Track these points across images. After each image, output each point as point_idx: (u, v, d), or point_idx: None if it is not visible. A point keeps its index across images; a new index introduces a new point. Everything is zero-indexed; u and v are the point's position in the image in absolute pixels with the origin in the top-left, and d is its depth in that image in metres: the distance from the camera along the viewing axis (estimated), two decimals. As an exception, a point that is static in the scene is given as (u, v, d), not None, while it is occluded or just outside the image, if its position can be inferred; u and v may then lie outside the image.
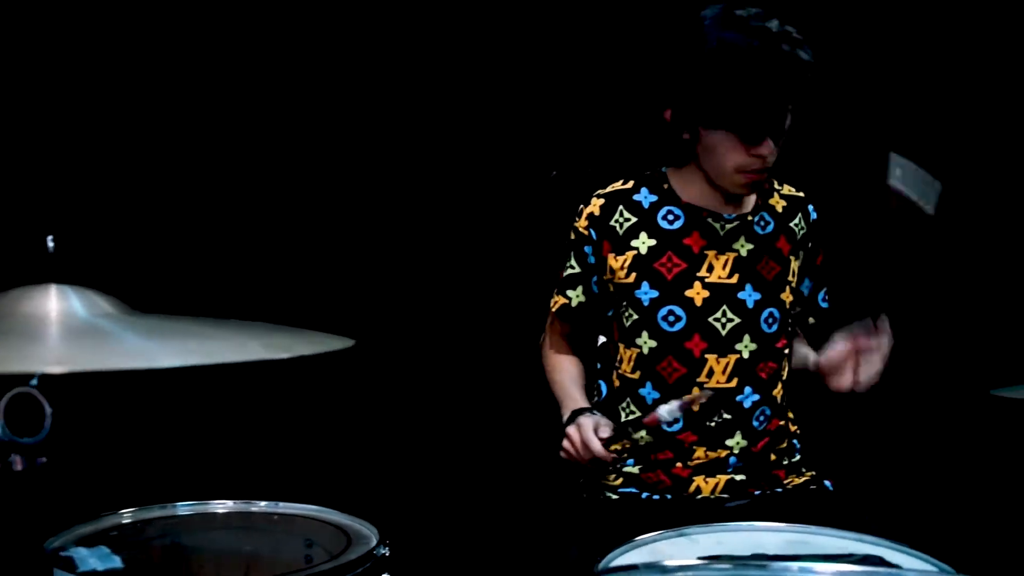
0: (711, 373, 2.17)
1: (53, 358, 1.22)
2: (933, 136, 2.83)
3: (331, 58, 2.89)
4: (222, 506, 2.05)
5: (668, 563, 1.34)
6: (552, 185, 2.84)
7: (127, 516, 1.97)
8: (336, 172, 2.91)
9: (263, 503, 2.05)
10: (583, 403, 2.21)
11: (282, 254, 2.88)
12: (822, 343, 2.26)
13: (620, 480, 2.22)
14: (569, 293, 2.27)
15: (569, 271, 2.27)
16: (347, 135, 2.93)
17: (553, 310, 2.30)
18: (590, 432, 2.05)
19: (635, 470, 2.21)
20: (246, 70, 2.83)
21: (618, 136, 2.75)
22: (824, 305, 2.35)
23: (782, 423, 2.26)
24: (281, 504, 2.05)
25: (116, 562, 1.80)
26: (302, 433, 2.85)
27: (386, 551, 1.84)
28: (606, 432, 2.06)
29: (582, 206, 2.26)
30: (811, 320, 2.35)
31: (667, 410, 2.02)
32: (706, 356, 2.17)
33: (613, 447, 2.06)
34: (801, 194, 2.32)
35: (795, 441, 2.29)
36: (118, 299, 1.43)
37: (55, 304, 1.36)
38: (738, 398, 2.18)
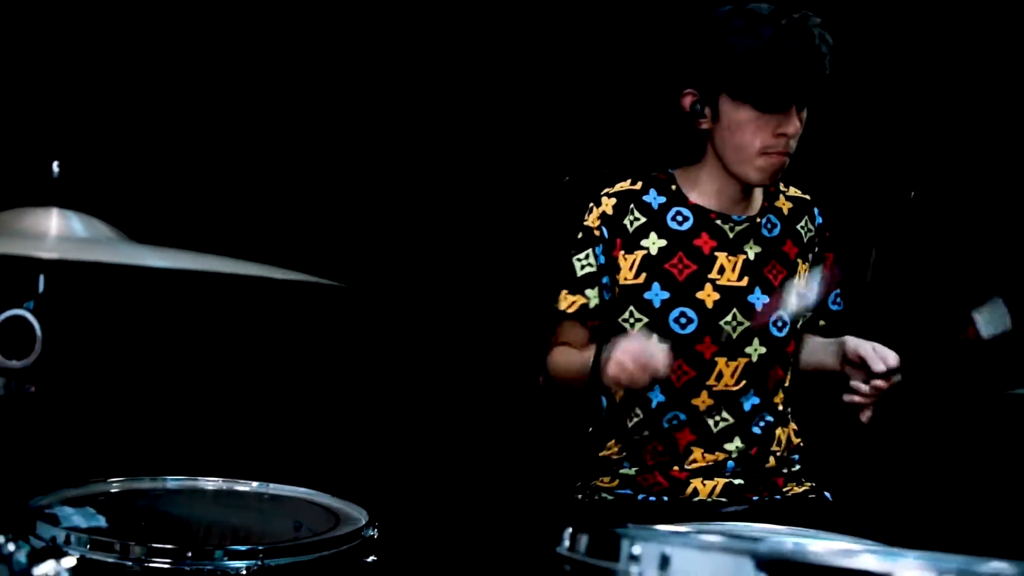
0: (720, 376, 2.15)
1: (47, 248, 1.21)
2: (947, 138, 2.83)
3: (341, 39, 2.88)
4: (212, 483, 2.03)
5: (659, 527, 1.30)
6: (565, 190, 2.84)
7: (115, 485, 1.95)
8: (340, 182, 2.90)
9: (254, 483, 2.04)
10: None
11: (291, 202, 2.84)
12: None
13: (616, 482, 2.19)
14: (588, 292, 2.18)
15: (588, 269, 2.19)
16: (351, 128, 2.91)
17: (570, 311, 2.19)
18: (650, 344, 1.94)
19: (631, 472, 2.18)
20: (263, 14, 2.79)
21: (628, 141, 2.74)
22: (835, 308, 2.32)
23: (783, 434, 2.23)
24: (272, 485, 2.04)
25: (100, 521, 1.78)
26: (298, 416, 2.81)
27: (374, 533, 1.82)
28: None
29: (592, 204, 2.22)
30: (822, 323, 2.31)
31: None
32: (716, 359, 2.14)
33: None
34: (807, 197, 2.30)
35: (795, 456, 2.26)
36: (118, 228, 1.43)
37: (55, 223, 1.36)
38: (740, 399, 2.16)
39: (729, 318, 2.16)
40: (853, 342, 2.11)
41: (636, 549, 1.06)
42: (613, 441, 2.21)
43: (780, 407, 2.22)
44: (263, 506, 1.99)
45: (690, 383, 2.14)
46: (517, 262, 2.84)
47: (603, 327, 2.19)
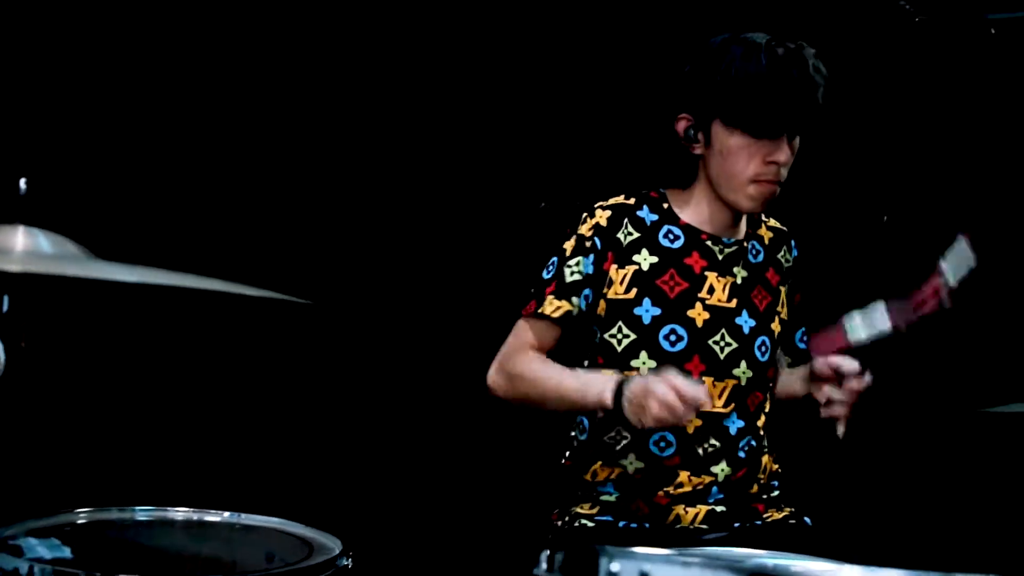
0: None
1: (13, 262, 1.18)
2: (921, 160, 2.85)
3: (326, 45, 2.85)
4: (182, 513, 1.99)
5: (637, 550, 1.27)
6: (541, 216, 2.83)
7: (82, 516, 1.90)
8: (312, 198, 2.87)
9: (226, 513, 1.99)
10: (611, 375, 2.06)
11: (262, 219, 2.80)
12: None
13: (596, 508, 2.16)
14: (574, 300, 2.13)
15: (576, 276, 2.13)
16: (335, 129, 2.87)
17: (555, 316, 2.13)
18: (682, 381, 1.91)
19: (613, 498, 2.15)
20: (229, 30, 2.76)
21: (612, 164, 2.74)
22: (802, 346, 2.33)
23: (767, 460, 2.23)
24: (244, 515, 1.99)
25: (65, 552, 1.73)
26: (270, 443, 2.77)
27: (348, 563, 1.78)
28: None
29: (586, 215, 2.18)
30: (788, 360, 2.34)
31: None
32: (704, 379, 2.12)
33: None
34: (785, 228, 2.32)
35: (775, 482, 2.24)
36: (85, 246, 1.40)
37: (21, 240, 1.33)
38: (725, 422, 2.15)
39: (718, 338, 2.15)
40: (820, 359, 2.13)
41: (615, 567, 1.04)
42: (599, 464, 2.17)
43: (761, 432, 2.21)
44: (234, 536, 1.94)
45: None
46: (493, 285, 2.82)
47: (577, 341, 2.18)
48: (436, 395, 2.85)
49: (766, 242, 2.27)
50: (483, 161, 2.91)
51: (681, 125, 2.14)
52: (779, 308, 2.25)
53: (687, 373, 2.11)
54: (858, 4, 2.76)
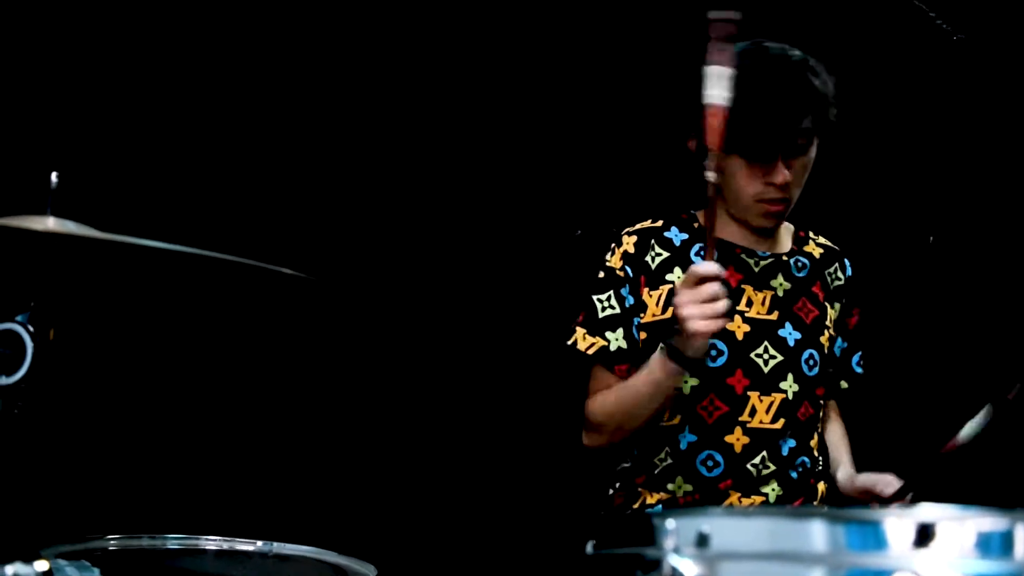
0: (753, 412, 2.07)
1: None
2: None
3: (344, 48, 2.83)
4: (213, 542, 1.94)
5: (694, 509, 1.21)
6: (577, 244, 2.80)
7: (113, 543, 1.86)
8: (372, 206, 2.84)
9: (259, 542, 1.94)
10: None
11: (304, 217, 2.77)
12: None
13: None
14: (608, 335, 2.11)
15: (609, 311, 2.12)
16: (351, 139, 2.85)
17: (590, 353, 2.12)
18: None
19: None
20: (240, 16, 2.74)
21: (644, 190, 2.71)
22: (858, 370, 2.27)
23: (821, 485, 2.15)
24: (276, 544, 1.95)
25: (95, 573, 1.69)
26: (303, 470, 2.71)
27: (383, 588, 1.73)
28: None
29: (614, 244, 2.18)
30: (844, 384, 2.27)
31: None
32: (748, 393, 2.07)
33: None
34: (836, 247, 2.28)
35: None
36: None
37: (52, 226, 1.31)
38: (779, 441, 2.08)
39: (761, 351, 2.09)
40: (860, 480, 2.10)
41: (671, 524, 0.98)
42: (647, 491, 2.12)
43: (816, 454, 2.15)
44: (267, 564, 1.90)
45: (723, 418, 2.07)
46: (530, 312, 2.79)
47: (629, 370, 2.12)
48: (472, 423, 2.81)
49: (816, 257, 2.22)
50: (521, 188, 2.88)
51: (692, 146, 2.12)
52: (828, 323, 2.18)
53: (730, 388, 2.07)
54: (898, 25, 2.74)
